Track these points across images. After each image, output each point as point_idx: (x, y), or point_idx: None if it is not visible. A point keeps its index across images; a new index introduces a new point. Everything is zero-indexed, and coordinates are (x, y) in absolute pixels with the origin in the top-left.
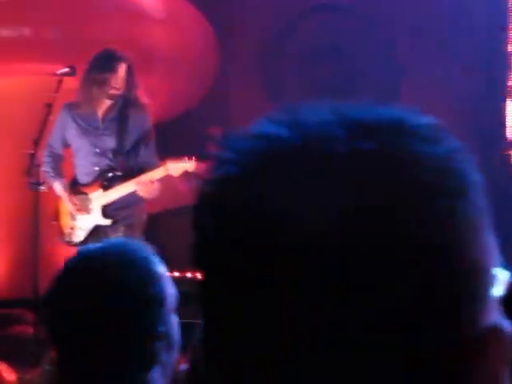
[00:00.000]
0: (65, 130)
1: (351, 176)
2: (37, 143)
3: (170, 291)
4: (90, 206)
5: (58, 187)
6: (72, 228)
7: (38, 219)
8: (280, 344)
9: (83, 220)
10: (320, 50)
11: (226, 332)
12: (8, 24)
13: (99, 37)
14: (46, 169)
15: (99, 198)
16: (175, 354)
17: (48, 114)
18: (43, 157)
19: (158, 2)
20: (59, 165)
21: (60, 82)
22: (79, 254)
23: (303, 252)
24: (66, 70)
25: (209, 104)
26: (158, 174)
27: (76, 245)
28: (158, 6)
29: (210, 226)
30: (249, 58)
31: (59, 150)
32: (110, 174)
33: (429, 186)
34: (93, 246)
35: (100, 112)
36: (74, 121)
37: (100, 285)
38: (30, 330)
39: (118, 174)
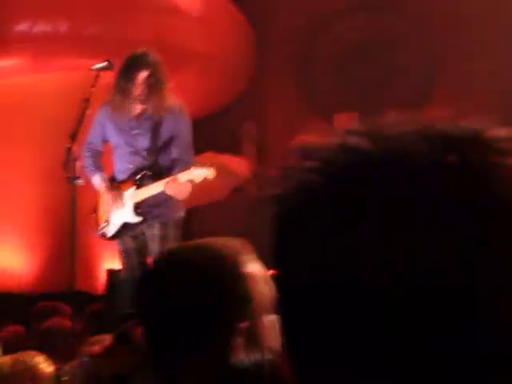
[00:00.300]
0: (104, 127)
1: (436, 190)
2: (74, 138)
3: (264, 291)
4: (124, 202)
5: (98, 180)
6: (107, 221)
7: (74, 213)
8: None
9: (116, 215)
10: (356, 47)
11: None
12: (44, 19)
13: (135, 32)
14: (85, 163)
15: (132, 196)
16: (262, 355)
17: (85, 108)
18: (83, 152)
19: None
20: (99, 159)
21: (97, 76)
22: (171, 251)
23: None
24: (103, 64)
25: (245, 101)
26: (183, 177)
27: (109, 238)
28: (194, 2)
29: (291, 233)
30: (285, 55)
31: (99, 146)
32: (142, 173)
33: None
34: (184, 244)
35: (133, 113)
36: (112, 119)
37: (184, 280)
38: (66, 322)
39: (149, 173)
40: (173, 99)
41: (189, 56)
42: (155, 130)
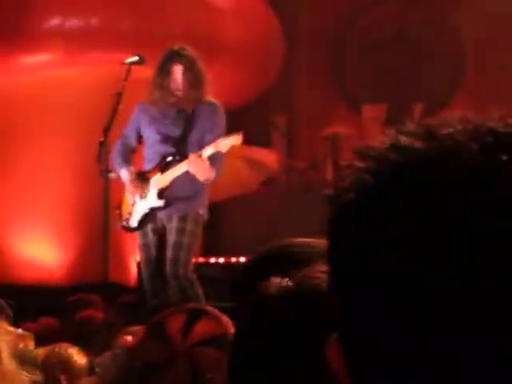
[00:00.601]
0: (139, 122)
1: (489, 188)
2: (106, 131)
3: None
4: (148, 189)
5: (124, 174)
6: (130, 213)
7: (107, 206)
8: None
9: (140, 204)
10: (384, 37)
11: None
12: (76, 14)
13: (167, 26)
14: (115, 156)
15: (156, 182)
16: None
17: (118, 102)
18: (116, 145)
19: None
20: (129, 154)
21: (129, 70)
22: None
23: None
24: (135, 58)
25: (274, 93)
26: (208, 151)
27: (132, 230)
28: None
29: (349, 233)
30: (314, 47)
31: (132, 141)
32: (170, 159)
33: None
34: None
35: (169, 104)
36: (147, 111)
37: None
38: (99, 314)
39: (177, 158)
40: (208, 94)
41: (219, 48)
42: (188, 122)
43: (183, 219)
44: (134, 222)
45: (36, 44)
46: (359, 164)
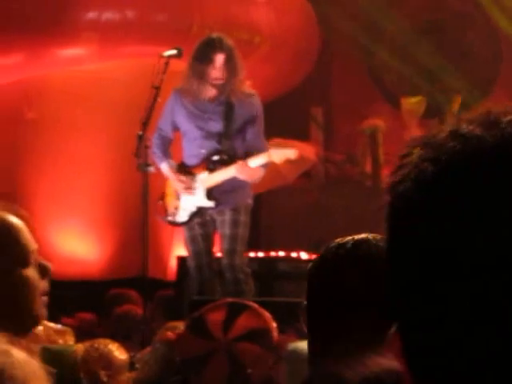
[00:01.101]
0: (174, 113)
1: None
2: (145, 125)
3: None
4: (196, 186)
5: (165, 167)
6: (176, 208)
7: (146, 200)
8: None
9: (187, 200)
10: (422, 29)
11: None
12: (112, 7)
13: (203, 18)
14: (154, 150)
15: (204, 180)
16: None
17: (155, 96)
18: (153, 139)
19: None
20: (167, 147)
21: (167, 63)
22: (355, 241)
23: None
24: (173, 51)
25: (312, 86)
26: (260, 159)
27: (178, 224)
28: None
29: (411, 222)
30: (351, 39)
31: (169, 132)
32: (216, 157)
33: None
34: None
35: (207, 97)
36: (183, 105)
37: (377, 272)
38: (137, 309)
39: (225, 157)
40: (247, 85)
41: (255, 40)
42: (228, 114)
43: (236, 211)
44: (180, 218)
45: (72, 37)
46: (417, 152)
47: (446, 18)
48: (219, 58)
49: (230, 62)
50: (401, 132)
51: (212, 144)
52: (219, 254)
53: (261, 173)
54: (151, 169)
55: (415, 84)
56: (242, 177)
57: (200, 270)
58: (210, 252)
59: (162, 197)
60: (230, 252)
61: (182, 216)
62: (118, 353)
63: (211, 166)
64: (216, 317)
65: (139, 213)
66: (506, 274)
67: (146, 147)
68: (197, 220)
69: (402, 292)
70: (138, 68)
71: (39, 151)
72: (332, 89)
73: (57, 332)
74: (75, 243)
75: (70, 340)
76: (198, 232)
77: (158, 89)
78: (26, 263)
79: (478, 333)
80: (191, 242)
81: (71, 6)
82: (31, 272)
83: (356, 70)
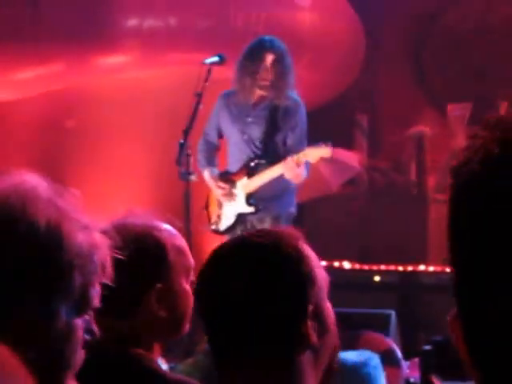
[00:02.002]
0: (219, 118)
1: None
2: (187, 133)
3: (322, 275)
4: (236, 193)
5: (207, 175)
6: (219, 216)
7: (188, 209)
8: None
9: (229, 208)
10: (469, 34)
11: None
12: (153, 14)
13: (245, 25)
14: (198, 157)
15: (244, 186)
16: (330, 340)
17: (197, 103)
18: (198, 145)
19: None
20: (213, 154)
21: (209, 71)
22: (231, 239)
23: None
24: (215, 59)
25: (356, 93)
26: (299, 157)
27: (221, 233)
28: None
29: (477, 202)
30: (396, 44)
31: (214, 138)
32: (255, 162)
33: None
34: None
35: (252, 100)
36: (228, 108)
37: (252, 262)
38: None
39: (262, 162)
40: (294, 91)
41: (299, 46)
42: (271, 119)
43: (277, 220)
44: (223, 226)
45: (113, 45)
46: (485, 134)
47: (495, 22)
48: (269, 58)
49: (279, 64)
50: (447, 139)
51: (252, 149)
52: None
53: (304, 174)
54: (193, 177)
55: (462, 90)
56: (289, 174)
57: None
58: None
59: (206, 206)
60: None
61: (224, 224)
62: (160, 364)
63: (250, 172)
64: None
65: (181, 222)
66: None
67: (188, 155)
68: (240, 228)
69: (473, 275)
70: (180, 75)
71: (79, 160)
72: (377, 96)
73: None
74: None
75: None
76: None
77: (200, 96)
78: (188, 277)
79: None
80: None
81: (112, 13)
82: (189, 288)
83: (401, 76)
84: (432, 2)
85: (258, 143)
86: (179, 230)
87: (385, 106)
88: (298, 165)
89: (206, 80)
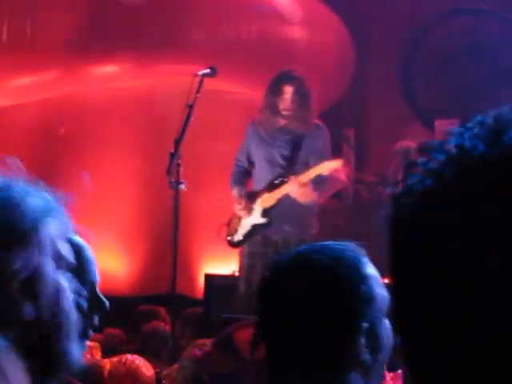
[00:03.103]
0: (249, 144)
1: None
2: (178, 143)
3: (382, 293)
4: (254, 208)
5: (234, 193)
6: (236, 229)
7: (177, 218)
8: None
9: (246, 221)
10: (458, 52)
11: None
12: (147, 25)
13: (238, 37)
14: (231, 178)
15: (263, 201)
16: (383, 358)
17: (189, 114)
18: (232, 168)
19: (294, 4)
20: (243, 176)
21: (201, 82)
22: (292, 254)
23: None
24: (207, 70)
25: (344, 107)
26: (309, 174)
27: (235, 245)
28: (294, 7)
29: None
30: (386, 61)
31: (245, 163)
32: (278, 180)
33: None
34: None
35: (278, 125)
36: (256, 133)
37: (310, 278)
38: (165, 326)
39: (285, 179)
40: (315, 114)
41: (289, 60)
42: (296, 143)
43: (300, 244)
44: (237, 237)
45: (107, 55)
46: (422, 163)
47: (481, 41)
48: (288, 90)
49: (298, 94)
50: None
51: (277, 170)
52: None
53: (314, 194)
54: (182, 187)
55: (450, 105)
56: (293, 193)
57: (250, 284)
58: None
59: (228, 222)
60: None
61: (239, 235)
62: (145, 369)
63: (271, 188)
64: (244, 335)
65: (169, 230)
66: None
67: (178, 165)
68: (261, 238)
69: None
70: (172, 86)
71: (71, 167)
72: (365, 110)
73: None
74: (105, 259)
75: (97, 355)
76: (258, 249)
77: (191, 107)
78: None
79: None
80: (249, 257)
81: (107, 24)
82: None
83: (390, 92)
84: (420, 18)
85: (283, 165)
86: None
87: (373, 120)
88: (302, 184)
89: (198, 91)
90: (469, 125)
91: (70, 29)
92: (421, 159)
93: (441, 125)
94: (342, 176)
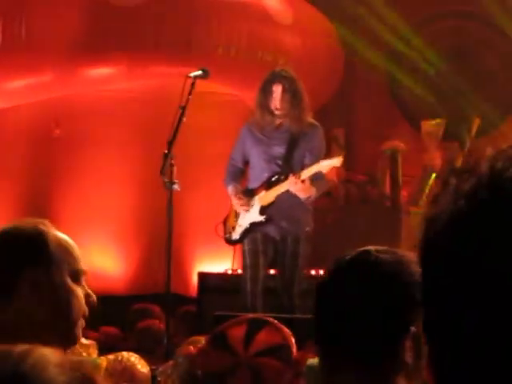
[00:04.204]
0: (244, 143)
1: None
2: (171, 144)
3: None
4: (252, 204)
5: (230, 189)
6: (233, 227)
7: (171, 218)
8: None
9: (244, 218)
10: (443, 54)
11: None
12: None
13: (228, 40)
14: (225, 176)
15: (261, 198)
16: (423, 365)
17: (181, 115)
18: (226, 167)
19: (284, 7)
20: (238, 175)
21: (193, 84)
22: (355, 253)
23: None
24: (199, 72)
25: (333, 108)
26: (308, 172)
27: (232, 242)
28: (284, 11)
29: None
30: (373, 60)
31: (239, 162)
32: (275, 178)
33: None
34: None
35: (272, 124)
36: (251, 133)
37: (375, 279)
38: (160, 324)
39: (282, 177)
40: (308, 113)
41: (280, 63)
42: (292, 141)
43: (297, 241)
44: (235, 235)
45: (101, 57)
46: (454, 184)
47: (466, 44)
48: (277, 89)
49: (288, 93)
50: (420, 154)
51: (273, 167)
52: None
53: (313, 190)
54: (176, 187)
55: (436, 107)
56: (293, 189)
57: (254, 283)
58: (265, 268)
59: (225, 220)
60: (290, 281)
61: (237, 233)
62: (141, 366)
63: (268, 186)
64: (237, 332)
65: (163, 230)
66: None
67: (172, 165)
68: (261, 236)
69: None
70: (165, 88)
71: (66, 168)
72: (354, 111)
73: (81, 345)
74: (100, 259)
75: (94, 353)
76: (259, 248)
77: (184, 109)
78: (78, 281)
79: None
80: (250, 254)
81: (101, 26)
82: (80, 291)
83: (378, 93)
84: (407, 20)
85: (279, 163)
86: None
87: (361, 120)
88: (301, 180)
89: (190, 93)
90: (503, 147)
91: (65, 31)
92: (453, 180)
93: (427, 125)
94: (333, 175)
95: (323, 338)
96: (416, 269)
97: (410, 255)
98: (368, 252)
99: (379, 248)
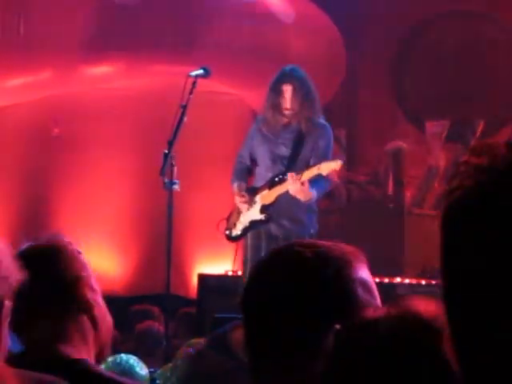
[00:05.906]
0: (252, 140)
1: None
2: (171, 144)
3: (365, 297)
4: (254, 202)
5: (235, 187)
6: (235, 224)
7: (171, 218)
8: None
9: (245, 216)
10: (447, 54)
11: None
12: (140, 26)
13: (230, 40)
14: (232, 173)
15: (263, 197)
16: None
17: (182, 115)
18: (234, 164)
19: (286, 6)
20: (244, 173)
21: (194, 83)
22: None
23: None
24: (200, 71)
25: (335, 108)
26: (309, 173)
27: (232, 239)
28: (287, 9)
29: (464, 223)
30: (376, 60)
31: (247, 159)
32: (278, 177)
33: None
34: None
35: (281, 123)
36: (259, 130)
37: (294, 275)
38: (159, 325)
39: (286, 177)
40: (319, 113)
41: (283, 62)
42: (298, 141)
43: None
44: (235, 232)
45: (100, 56)
46: (473, 160)
47: (470, 44)
48: (287, 89)
49: (298, 93)
50: (424, 155)
51: (278, 167)
52: None
53: (313, 193)
54: (176, 187)
55: (440, 108)
56: (292, 191)
57: None
58: None
59: (228, 217)
60: None
61: (237, 229)
62: (139, 368)
63: (271, 185)
64: (237, 334)
65: (163, 230)
66: None
67: (172, 165)
68: (265, 231)
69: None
70: (166, 87)
71: (65, 167)
72: (357, 111)
73: None
74: (99, 259)
75: None
76: (260, 242)
77: (185, 108)
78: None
79: None
80: (252, 250)
81: (100, 24)
82: None
83: (381, 92)
84: (411, 20)
85: (284, 162)
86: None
87: (364, 121)
88: (301, 183)
89: (191, 92)
90: None
91: (64, 29)
92: (471, 158)
93: (431, 126)
94: (334, 176)
95: (248, 335)
96: (347, 265)
97: (345, 252)
98: (288, 249)
99: (309, 243)
